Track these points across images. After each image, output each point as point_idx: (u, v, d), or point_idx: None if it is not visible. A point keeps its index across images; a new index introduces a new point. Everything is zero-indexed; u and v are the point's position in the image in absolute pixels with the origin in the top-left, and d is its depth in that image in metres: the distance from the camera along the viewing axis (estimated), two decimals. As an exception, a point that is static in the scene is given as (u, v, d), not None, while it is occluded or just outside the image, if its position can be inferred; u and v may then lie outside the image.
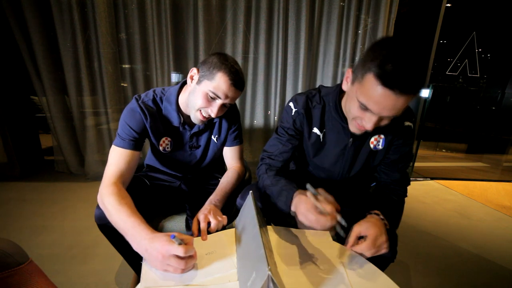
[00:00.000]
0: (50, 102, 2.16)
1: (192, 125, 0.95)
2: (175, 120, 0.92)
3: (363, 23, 2.30)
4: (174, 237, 0.57)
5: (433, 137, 4.49)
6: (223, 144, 1.04)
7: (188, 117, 0.92)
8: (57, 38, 2.02)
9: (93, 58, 2.11)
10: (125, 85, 2.31)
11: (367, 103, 0.63)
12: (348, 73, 0.71)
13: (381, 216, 0.74)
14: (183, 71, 2.28)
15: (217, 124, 1.00)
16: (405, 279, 1.32)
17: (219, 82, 0.80)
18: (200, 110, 0.85)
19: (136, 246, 0.61)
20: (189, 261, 0.57)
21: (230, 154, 1.05)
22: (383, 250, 0.66)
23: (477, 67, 3.71)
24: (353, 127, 0.74)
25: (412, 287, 1.27)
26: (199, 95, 0.83)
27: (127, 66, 2.24)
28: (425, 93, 2.80)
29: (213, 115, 0.84)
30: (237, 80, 0.81)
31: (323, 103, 0.85)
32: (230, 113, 1.00)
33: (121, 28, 2.12)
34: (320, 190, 0.67)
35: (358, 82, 0.64)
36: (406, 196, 0.88)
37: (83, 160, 2.35)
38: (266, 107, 2.42)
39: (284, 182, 0.77)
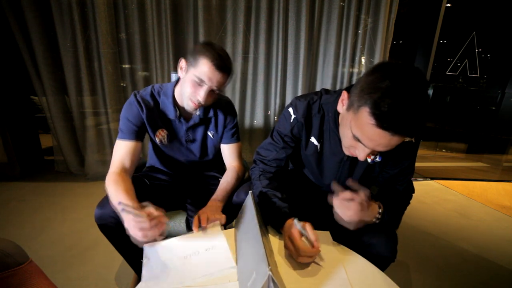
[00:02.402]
0: (50, 102, 2.16)
1: (188, 119, 0.97)
2: (171, 113, 0.94)
3: (363, 23, 2.30)
4: (120, 203, 0.66)
5: (433, 137, 4.48)
6: (220, 142, 1.06)
7: (185, 110, 0.94)
8: (57, 38, 2.02)
9: (93, 58, 2.11)
10: (125, 85, 2.31)
11: (360, 138, 0.60)
12: (344, 95, 0.67)
13: (379, 204, 0.74)
14: (183, 71, 2.28)
15: (213, 120, 1.01)
16: (405, 279, 1.32)
17: (202, 67, 0.81)
18: (191, 98, 0.87)
19: (125, 225, 0.66)
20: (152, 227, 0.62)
21: (228, 152, 1.06)
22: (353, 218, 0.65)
23: (477, 67, 3.71)
24: (346, 151, 0.72)
25: (412, 287, 1.27)
26: (187, 83, 0.85)
27: (127, 66, 2.24)
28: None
29: (201, 100, 0.85)
30: (220, 63, 0.82)
31: (322, 112, 0.82)
32: (226, 111, 1.02)
33: (121, 28, 2.12)
34: (307, 227, 0.65)
35: (353, 113, 0.60)
36: (408, 203, 0.85)
37: (83, 160, 2.35)
38: (266, 107, 2.42)
39: (276, 201, 0.76)
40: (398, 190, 0.85)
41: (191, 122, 0.97)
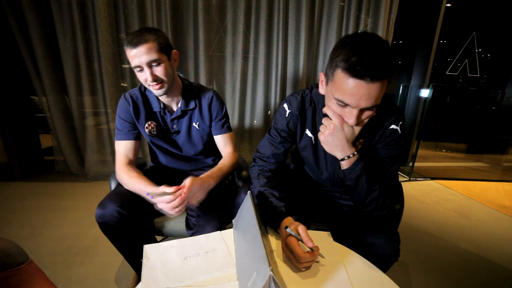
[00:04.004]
0: (50, 102, 2.16)
1: (172, 111, 1.03)
2: (156, 106, 1.01)
3: (363, 23, 2.30)
4: (148, 194, 0.77)
5: (433, 137, 4.48)
6: (209, 134, 1.08)
7: (168, 103, 1.01)
8: (57, 38, 2.02)
9: (93, 58, 2.11)
10: (125, 85, 2.31)
11: (343, 98, 0.64)
12: (322, 76, 0.73)
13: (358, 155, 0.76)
14: (183, 71, 2.28)
15: (197, 111, 1.04)
16: (405, 279, 1.32)
17: (128, 55, 0.85)
18: (148, 84, 0.89)
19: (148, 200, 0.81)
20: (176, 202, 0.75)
21: (221, 142, 1.09)
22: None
23: (477, 67, 3.71)
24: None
25: (412, 287, 1.27)
26: (137, 76, 0.89)
27: (127, 66, 2.23)
28: (425, 93, 2.80)
29: (150, 79, 0.86)
30: (131, 40, 0.83)
31: (314, 105, 0.85)
32: (211, 101, 1.04)
33: (121, 28, 2.12)
34: (301, 230, 0.64)
35: (331, 81, 0.66)
36: (396, 201, 0.85)
37: (83, 160, 2.35)
38: (266, 107, 2.42)
39: (273, 200, 0.77)
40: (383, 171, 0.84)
41: (174, 114, 1.01)
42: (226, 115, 1.08)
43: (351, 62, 0.59)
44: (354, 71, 0.59)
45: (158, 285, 0.55)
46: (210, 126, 1.07)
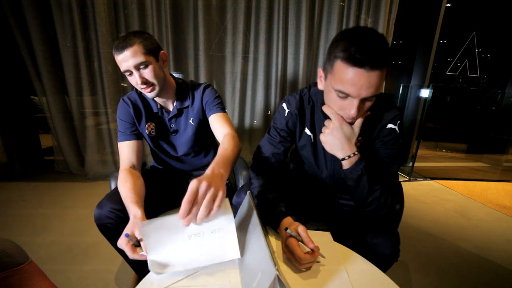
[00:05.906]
0: (50, 102, 2.16)
1: (169, 111, 1.03)
2: (154, 107, 1.01)
3: (363, 23, 2.30)
4: (128, 236, 0.63)
5: (433, 137, 4.48)
6: (205, 126, 1.06)
7: (165, 104, 1.02)
8: (57, 38, 2.02)
9: (93, 58, 2.11)
10: (125, 85, 2.31)
11: (343, 88, 0.64)
12: (320, 72, 0.73)
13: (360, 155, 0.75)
14: (183, 71, 2.28)
15: (189, 107, 1.03)
16: (405, 279, 1.32)
17: (117, 61, 0.85)
18: (139, 87, 0.89)
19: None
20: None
21: (217, 122, 0.98)
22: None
23: (477, 67, 3.71)
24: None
25: (412, 287, 1.27)
26: (129, 80, 0.89)
27: (127, 66, 2.24)
28: (425, 93, 2.80)
29: (139, 82, 0.86)
30: (117, 45, 0.83)
31: (312, 103, 0.85)
32: (202, 93, 1.03)
33: (121, 28, 2.12)
34: (301, 230, 0.64)
35: (330, 74, 0.66)
36: (396, 201, 0.84)
37: (83, 160, 2.35)
38: (266, 107, 2.42)
39: (273, 200, 0.77)
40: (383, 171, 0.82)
41: (171, 114, 1.02)
42: (219, 99, 1.03)
43: (351, 51, 0.59)
44: (354, 60, 0.59)
45: (164, 269, 0.55)
46: (204, 116, 1.04)
